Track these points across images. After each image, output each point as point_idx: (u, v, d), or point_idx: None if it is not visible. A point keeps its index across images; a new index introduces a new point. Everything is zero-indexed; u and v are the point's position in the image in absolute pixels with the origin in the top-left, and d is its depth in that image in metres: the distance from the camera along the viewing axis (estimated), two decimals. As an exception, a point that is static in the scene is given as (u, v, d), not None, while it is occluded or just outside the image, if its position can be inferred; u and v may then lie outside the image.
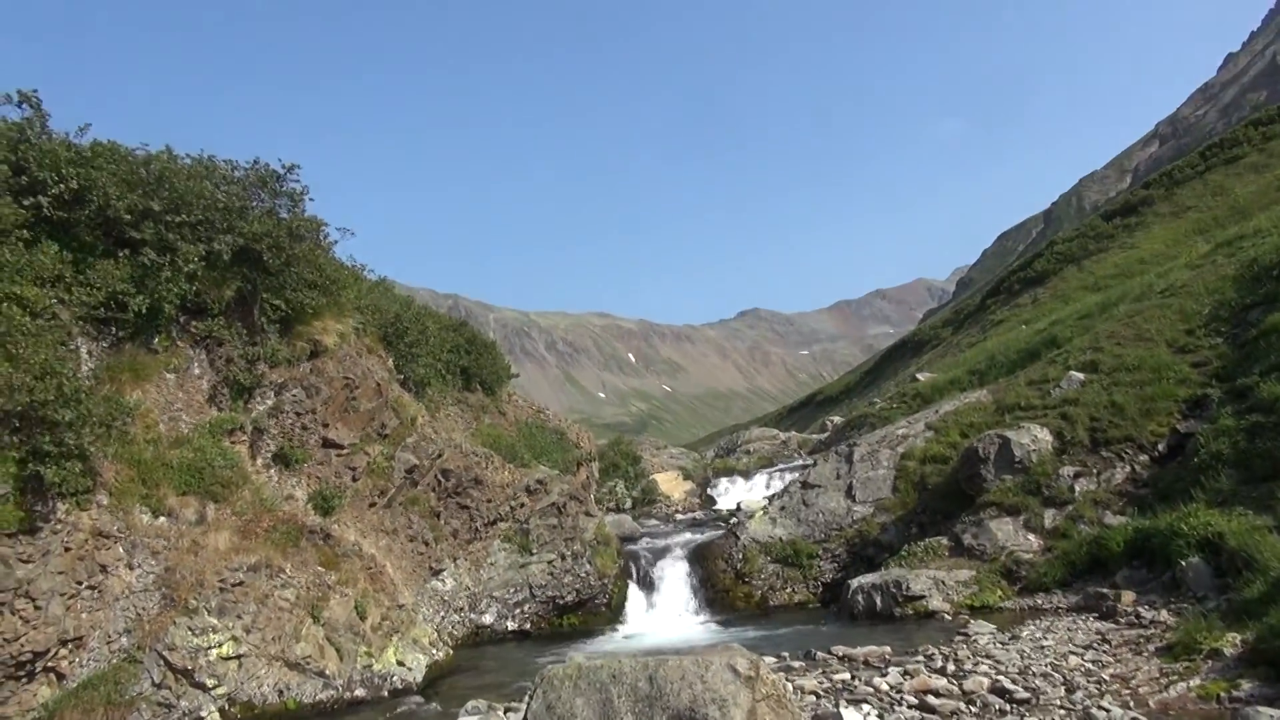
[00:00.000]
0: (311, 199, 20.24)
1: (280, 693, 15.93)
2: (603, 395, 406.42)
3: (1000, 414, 25.02)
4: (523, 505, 24.01)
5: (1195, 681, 12.36)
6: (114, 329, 17.17)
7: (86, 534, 14.77)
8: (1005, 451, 22.20)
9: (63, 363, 14.28)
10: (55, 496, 14.37)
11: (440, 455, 22.48)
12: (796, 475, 29.47)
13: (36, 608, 13.80)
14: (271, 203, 19.69)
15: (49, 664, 14.09)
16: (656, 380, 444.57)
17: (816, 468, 26.56)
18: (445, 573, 21.98)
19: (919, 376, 43.78)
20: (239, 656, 15.67)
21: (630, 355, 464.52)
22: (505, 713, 14.01)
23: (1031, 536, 20.86)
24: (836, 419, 53.91)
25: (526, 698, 10.83)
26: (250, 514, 17.65)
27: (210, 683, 15.15)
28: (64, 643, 14.23)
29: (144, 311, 17.25)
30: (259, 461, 19.06)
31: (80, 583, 14.57)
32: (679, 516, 34.61)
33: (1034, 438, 22.27)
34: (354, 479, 20.40)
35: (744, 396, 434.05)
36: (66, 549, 14.41)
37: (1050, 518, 20.92)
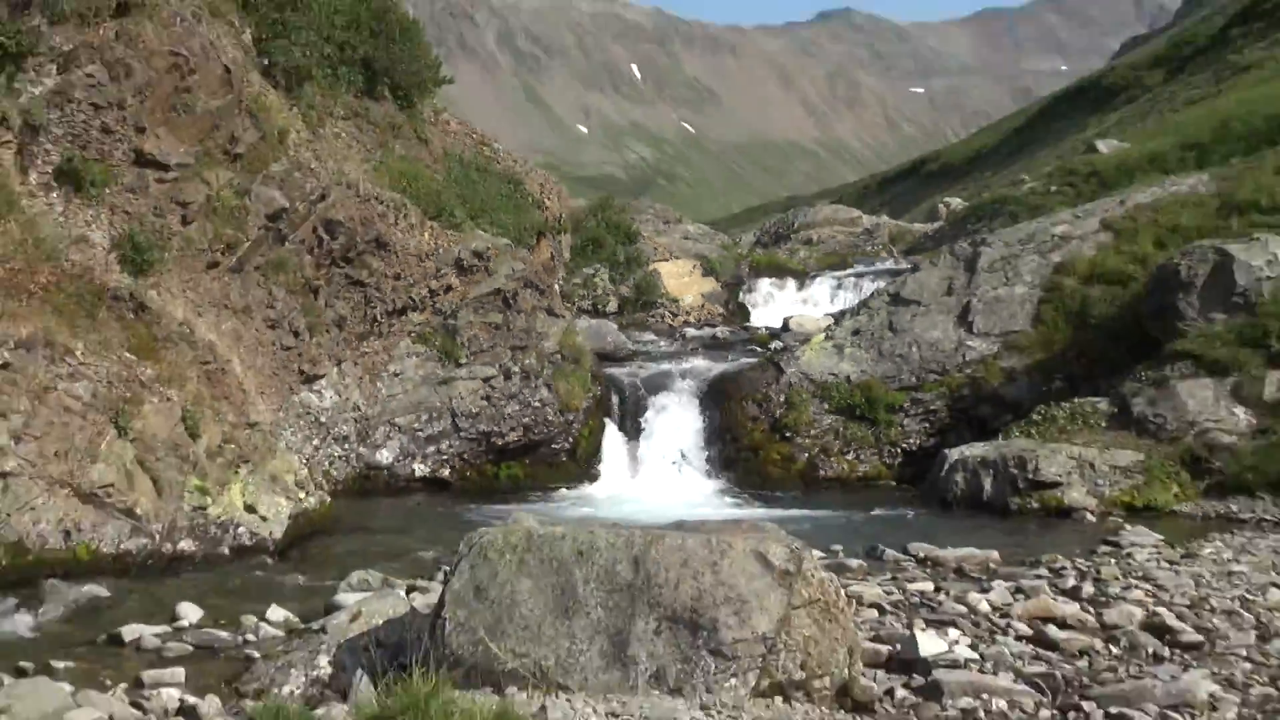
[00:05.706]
0: None
1: (67, 534, 10.82)
2: (585, 129, 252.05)
3: (1226, 216, 17.83)
4: (449, 289, 17.43)
5: None
6: None
7: None
8: (1223, 275, 15.67)
9: None
10: None
11: (323, 197, 15.51)
12: (883, 284, 21.77)
13: None
14: None
15: None
16: (673, 112, 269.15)
17: (916, 275, 19.75)
18: (324, 381, 15.95)
19: (1100, 146, 32.10)
20: (4, 475, 10.43)
21: (634, 67, 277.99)
22: (409, 593, 9.50)
23: (1240, 411, 15.07)
24: (956, 202, 38.20)
25: (443, 573, 8.66)
26: (19, 261, 11.71)
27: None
28: None
29: None
30: (32, 178, 12.79)
31: None
32: (690, 331, 24.63)
33: (1273, 258, 15.68)
34: (185, 221, 13.99)
35: (811, 153, 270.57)
36: None
37: (1275, 385, 15.09)
